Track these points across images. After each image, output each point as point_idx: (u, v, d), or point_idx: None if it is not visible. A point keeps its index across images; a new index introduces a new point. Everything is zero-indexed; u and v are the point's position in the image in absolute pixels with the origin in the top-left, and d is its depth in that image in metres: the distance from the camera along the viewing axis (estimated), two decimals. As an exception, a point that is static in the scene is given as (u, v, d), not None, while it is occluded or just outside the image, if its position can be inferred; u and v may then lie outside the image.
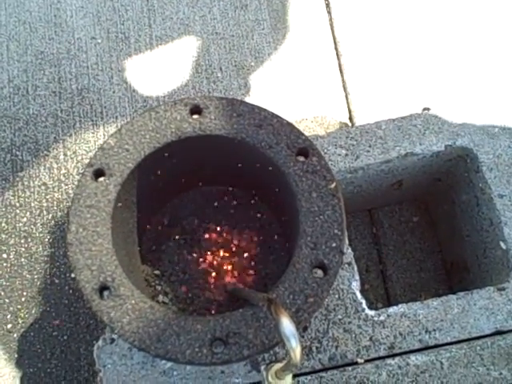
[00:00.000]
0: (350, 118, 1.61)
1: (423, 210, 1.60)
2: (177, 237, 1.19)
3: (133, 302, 0.89)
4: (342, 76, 1.67)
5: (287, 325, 0.71)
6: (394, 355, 1.12)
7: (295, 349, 0.71)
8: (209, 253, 1.18)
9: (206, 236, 1.19)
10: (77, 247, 0.92)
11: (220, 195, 1.22)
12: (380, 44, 1.71)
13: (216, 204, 1.22)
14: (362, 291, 1.19)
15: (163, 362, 1.11)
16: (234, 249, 1.18)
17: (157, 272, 1.16)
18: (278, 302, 0.78)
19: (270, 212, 1.20)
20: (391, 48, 1.70)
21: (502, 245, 1.21)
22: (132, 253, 1.11)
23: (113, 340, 1.13)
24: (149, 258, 1.17)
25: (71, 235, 0.93)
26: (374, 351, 1.12)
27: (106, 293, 0.90)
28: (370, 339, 1.13)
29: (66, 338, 1.40)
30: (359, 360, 1.12)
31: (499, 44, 1.70)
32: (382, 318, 1.14)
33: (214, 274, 1.16)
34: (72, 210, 0.94)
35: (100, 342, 1.14)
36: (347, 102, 1.64)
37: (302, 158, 0.98)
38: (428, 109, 1.36)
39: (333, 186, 0.96)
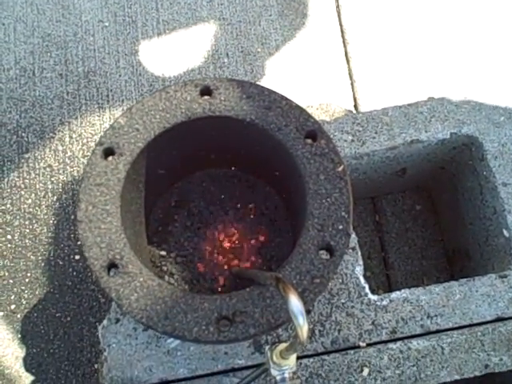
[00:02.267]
0: (355, 106, 1.62)
1: (426, 198, 1.61)
2: (183, 218, 1.20)
3: (141, 279, 0.90)
4: (348, 64, 1.67)
5: (295, 302, 0.72)
6: (395, 340, 1.13)
7: (303, 326, 0.72)
8: (214, 235, 1.19)
9: (212, 218, 1.20)
10: (86, 225, 0.93)
11: (227, 177, 1.23)
12: (386, 32, 1.71)
13: (223, 186, 1.23)
14: (364, 277, 1.20)
15: (168, 342, 1.12)
16: (239, 231, 1.19)
17: (163, 253, 1.17)
18: (285, 280, 0.79)
19: (277, 195, 1.21)
20: (397, 36, 1.70)
21: (505, 233, 1.22)
22: (139, 233, 1.12)
23: (118, 320, 1.15)
24: (155, 239, 1.18)
25: (81, 213, 0.93)
26: (376, 335, 1.14)
27: (114, 270, 0.91)
28: (373, 323, 1.14)
29: (69, 319, 1.41)
30: (361, 344, 1.13)
31: (506, 33, 1.70)
32: (384, 302, 1.16)
33: (219, 255, 1.17)
34: (82, 187, 0.95)
35: (105, 322, 1.15)
36: (353, 90, 1.64)
37: (310, 141, 0.99)
38: (433, 98, 1.37)
39: (340, 168, 0.96)
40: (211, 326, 0.87)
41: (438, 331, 1.15)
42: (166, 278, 1.15)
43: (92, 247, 0.92)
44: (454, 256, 1.52)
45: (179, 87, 1.02)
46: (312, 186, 0.95)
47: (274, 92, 1.01)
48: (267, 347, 0.92)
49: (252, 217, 1.20)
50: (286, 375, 0.88)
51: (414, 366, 1.11)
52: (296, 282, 0.90)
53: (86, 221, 0.93)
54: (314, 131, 0.98)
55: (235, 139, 1.08)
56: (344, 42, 1.70)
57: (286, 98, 1.01)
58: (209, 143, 1.11)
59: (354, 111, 1.61)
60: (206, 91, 1.02)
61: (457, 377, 1.10)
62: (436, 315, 1.15)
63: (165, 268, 1.16)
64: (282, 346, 0.89)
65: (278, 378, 0.88)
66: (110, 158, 0.97)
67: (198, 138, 1.07)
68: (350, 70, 1.67)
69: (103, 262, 0.91)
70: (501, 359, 1.11)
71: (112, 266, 0.91)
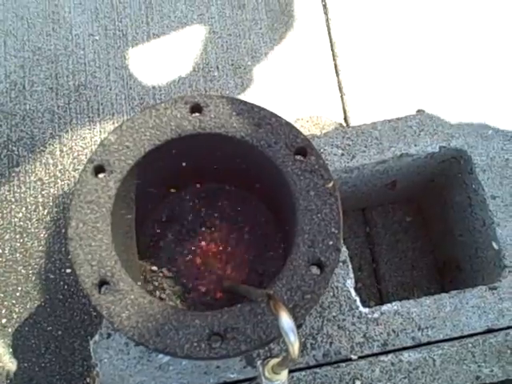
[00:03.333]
0: (345, 119, 1.63)
1: (416, 210, 1.62)
2: (174, 233, 1.20)
3: (132, 296, 0.90)
4: (338, 77, 1.68)
5: (286, 320, 0.73)
6: (387, 352, 1.14)
7: (294, 343, 0.72)
8: (205, 249, 1.19)
9: (203, 233, 1.20)
10: (77, 242, 0.93)
11: (218, 193, 1.23)
12: (376, 45, 1.72)
13: (213, 201, 1.23)
14: (355, 289, 1.20)
15: (159, 356, 1.12)
16: (230, 246, 1.19)
17: (154, 268, 1.17)
18: (277, 297, 0.80)
19: (267, 210, 1.22)
20: (387, 49, 1.72)
21: (494, 245, 1.23)
22: (130, 248, 1.12)
23: (109, 335, 1.14)
24: (146, 254, 1.18)
25: (71, 230, 0.93)
26: (367, 348, 1.14)
27: (105, 287, 0.91)
28: (364, 336, 1.15)
29: (60, 332, 1.41)
30: (353, 356, 1.13)
31: (493, 47, 1.71)
32: (375, 315, 1.16)
33: (210, 270, 1.17)
34: (72, 205, 0.95)
35: (97, 337, 1.14)
36: (342, 103, 1.65)
37: (300, 157, 0.99)
38: (422, 110, 1.38)
39: (330, 185, 0.97)
40: (202, 342, 0.87)
41: (429, 343, 1.15)
42: (158, 292, 1.15)
43: (83, 265, 0.92)
44: (445, 267, 1.53)
45: (169, 104, 1.02)
46: (302, 202, 0.96)
47: (264, 109, 1.02)
48: (259, 362, 0.92)
49: (243, 231, 1.20)
50: (278, 390, 0.88)
51: (405, 378, 1.11)
52: (287, 297, 0.90)
53: (76, 238, 0.93)
54: (303, 148, 0.99)
55: (225, 156, 1.08)
56: (333, 55, 1.71)
57: (276, 115, 1.02)
58: (199, 159, 1.11)
59: (344, 124, 1.62)
60: (196, 108, 1.02)
61: (448, 389, 1.11)
62: (427, 327, 1.15)
63: (156, 283, 1.16)
64: (274, 361, 0.90)
65: (270, 393, 0.88)
66: (101, 175, 0.97)
67: (188, 155, 1.08)
68: (339, 82, 1.67)
69: (94, 279, 0.91)
70: (491, 370, 1.12)
71: (103, 283, 0.91)
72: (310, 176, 0.97)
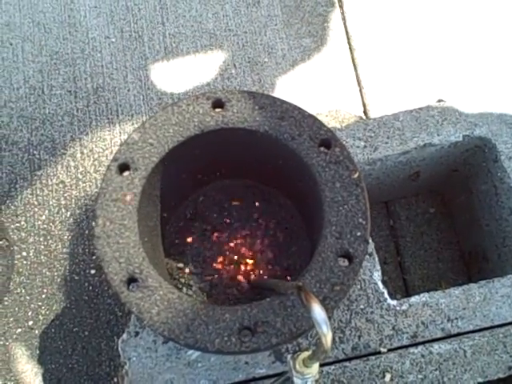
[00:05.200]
0: (365, 112, 1.62)
1: (439, 201, 1.60)
2: (199, 230, 1.20)
3: (161, 292, 0.90)
4: (356, 70, 1.67)
5: (318, 311, 0.72)
6: (416, 344, 1.13)
7: (327, 334, 0.72)
8: (231, 245, 1.19)
9: (228, 228, 1.20)
10: (104, 240, 0.93)
11: (241, 188, 1.23)
12: (393, 37, 1.71)
13: (237, 197, 1.23)
14: (382, 282, 1.19)
15: (188, 353, 1.12)
16: (255, 241, 1.19)
17: (180, 265, 1.17)
18: (307, 289, 0.79)
19: (292, 204, 1.21)
20: (404, 41, 1.71)
21: (522, 233, 1.22)
22: (156, 246, 1.12)
23: (137, 333, 1.14)
24: (172, 252, 1.18)
25: (98, 228, 0.94)
26: (396, 340, 1.13)
27: (133, 284, 0.91)
28: (393, 328, 1.14)
29: (86, 333, 1.41)
30: (382, 349, 1.13)
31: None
32: (404, 307, 1.15)
33: (236, 266, 1.17)
34: (98, 203, 0.95)
35: (124, 336, 1.15)
36: (361, 96, 1.64)
37: (324, 149, 0.99)
38: (443, 100, 1.37)
39: (356, 175, 0.96)
40: (233, 336, 0.87)
41: (459, 334, 1.14)
42: (185, 289, 1.15)
43: (111, 262, 0.92)
44: (471, 258, 1.51)
45: (191, 101, 1.02)
46: (328, 194, 0.95)
47: (286, 102, 1.02)
48: (289, 356, 0.92)
49: (268, 226, 1.20)
50: (309, 383, 0.87)
51: (436, 369, 1.10)
52: (316, 290, 0.90)
53: (104, 236, 0.93)
54: (327, 139, 0.98)
55: (249, 150, 1.08)
56: (350, 48, 1.70)
57: (299, 108, 1.01)
58: (222, 155, 1.11)
59: (364, 117, 1.61)
60: (218, 104, 1.02)
61: (480, 379, 1.09)
62: (456, 318, 1.14)
63: (182, 280, 1.16)
64: (305, 354, 0.89)
65: (302, 386, 0.88)
66: (126, 173, 0.97)
67: (211, 151, 1.08)
68: (357, 75, 1.67)
69: (123, 276, 0.91)
70: (523, 360, 1.11)
71: (132, 280, 0.91)
72: (335, 167, 0.97)
